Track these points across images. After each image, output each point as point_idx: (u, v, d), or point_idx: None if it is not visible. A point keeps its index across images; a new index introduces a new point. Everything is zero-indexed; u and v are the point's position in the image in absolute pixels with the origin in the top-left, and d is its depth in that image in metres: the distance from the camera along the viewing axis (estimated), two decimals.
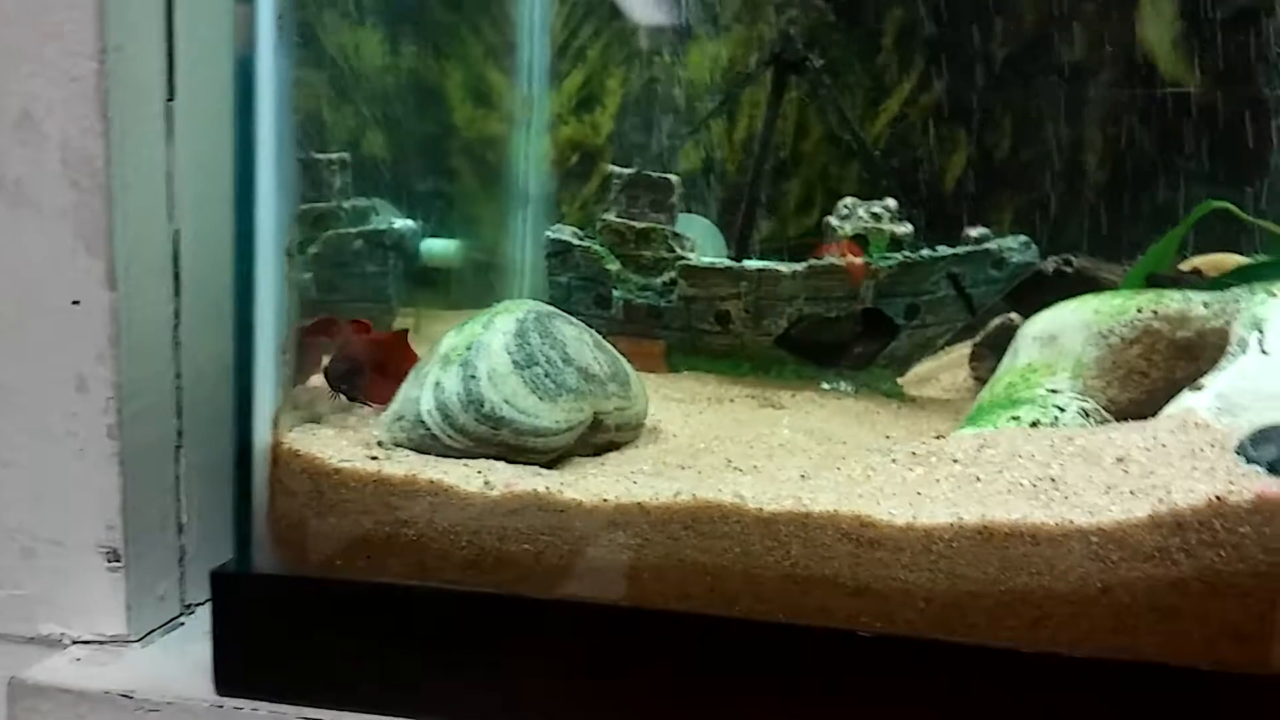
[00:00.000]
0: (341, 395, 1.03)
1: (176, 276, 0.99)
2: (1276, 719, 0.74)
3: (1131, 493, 0.79)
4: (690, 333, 1.33)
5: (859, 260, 1.27)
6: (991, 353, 1.40)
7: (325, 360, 1.03)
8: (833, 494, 0.83)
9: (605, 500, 0.84)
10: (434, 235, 1.48)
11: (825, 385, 1.31)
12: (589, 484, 0.86)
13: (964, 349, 1.46)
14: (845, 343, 1.32)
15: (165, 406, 0.99)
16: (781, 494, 0.83)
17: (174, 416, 1.00)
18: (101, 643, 0.96)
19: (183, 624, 1.03)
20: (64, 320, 0.92)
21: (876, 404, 1.28)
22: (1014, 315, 1.38)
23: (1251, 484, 0.75)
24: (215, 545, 1.06)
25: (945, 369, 1.46)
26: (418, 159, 1.52)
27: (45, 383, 0.93)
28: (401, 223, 1.38)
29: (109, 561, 0.95)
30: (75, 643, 0.96)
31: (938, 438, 1.15)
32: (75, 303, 0.92)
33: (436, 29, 1.53)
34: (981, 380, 1.42)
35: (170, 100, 0.97)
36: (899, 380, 1.35)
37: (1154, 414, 1.04)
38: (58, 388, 0.93)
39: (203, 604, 1.05)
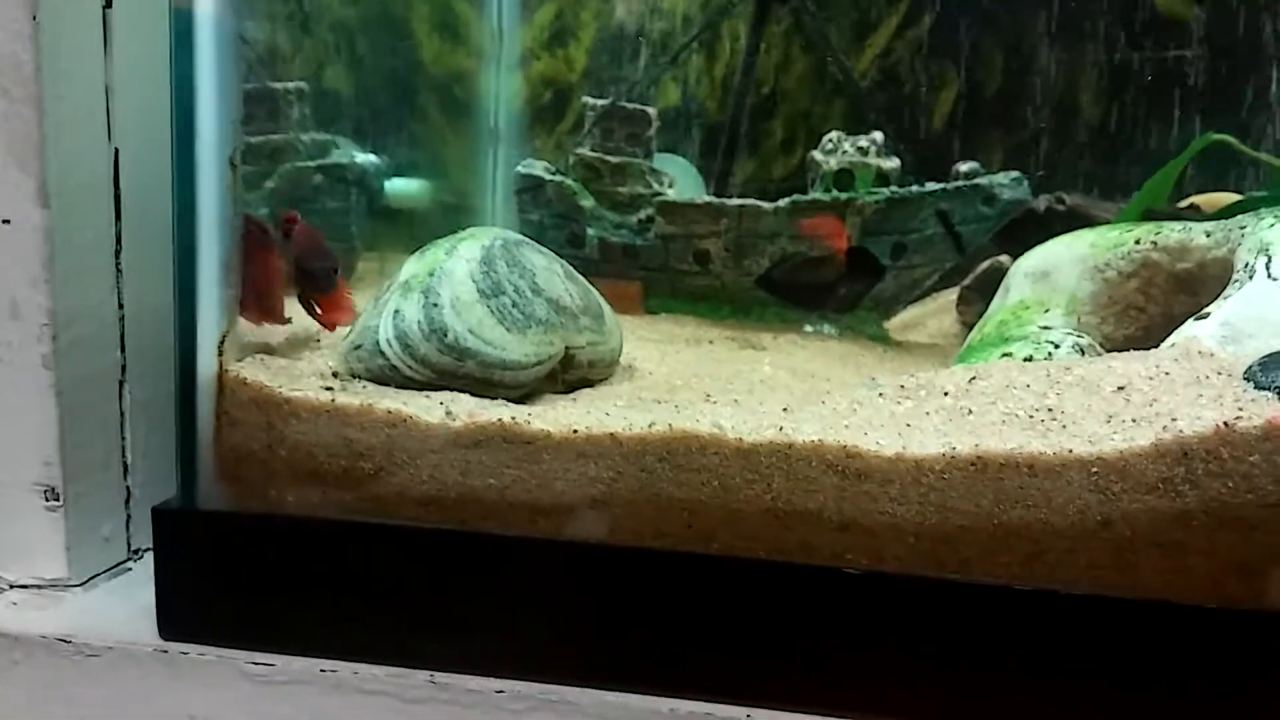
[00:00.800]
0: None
1: (117, 199, 0.93)
2: None
3: (1134, 421, 0.74)
4: (668, 273, 1.28)
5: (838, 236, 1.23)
6: (980, 296, 1.36)
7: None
8: (817, 424, 0.78)
9: (575, 431, 0.78)
10: (399, 174, 1.41)
11: (809, 328, 1.26)
12: (558, 415, 0.81)
13: (951, 294, 1.42)
14: (829, 284, 1.26)
15: (107, 338, 0.93)
16: (763, 424, 0.77)
17: (117, 349, 0.94)
18: (40, 586, 0.90)
19: (130, 569, 0.97)
20: None
21: (861, 347, 1.23)
22: (1004, 257, 1.33)
23: (1262, 410, 0.70)
24: (165, 487, 1.00)
25: (932, 314, 1.41)
26: (381, 94, 1.45)
27: None
28: (364, 157, 1.31)
29: (47, 500, 0.89)
30: (13, 587, 0.91)
31: None
32: (5, 221, 0.86)
33: None
34: (969, 325, 1.38)
35: (108, 7, 0.90)
36: (885, 324, 1.30)
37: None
38: None
39: (151, 549, 0.99)
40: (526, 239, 0.99)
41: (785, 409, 0.84)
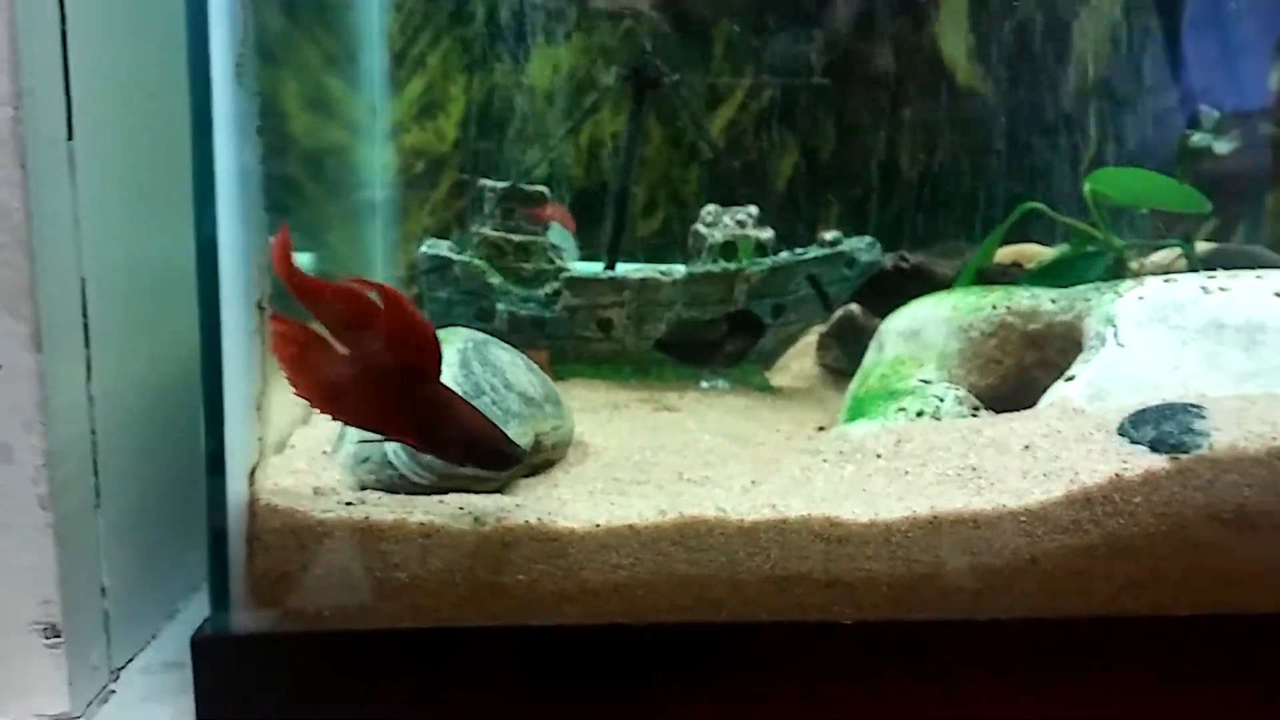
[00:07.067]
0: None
1: (85, 327, 0.93)
2: (1165, 652, 0.90)
3: (1045, 475, 0.93)
4: (573, 340, 1.38)
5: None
6: (836, 341, 1.54)
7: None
8: (800, 499, 0.92)
9: (597, 525, 0.88)
10: None
11: (704, 384, 1.40)
12: (577, 510, 0.90)
13: (807, 337, 1.59)
14: (716, 342, 1.41)
15: (85, 468, 0.93)
16: (758, 504, 0.90)
17: (92, 476, 0.94)
18: None
19: (114, 691, 0.97)
20: None
21: (752, 399, 1.38)
22: (854, 306, 1.52)
23: (1140, 461, 0.91)
24: (137, 603, 1.01)
25: (793, 357, 1.59)
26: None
27: None
28: None
29: (47, 638, 0.89)
30: None
31: (820, 429, 1.28)
32: None
33: (270, 37, 1.46)
34: (827, 367, 1.57)
35: (70, 139, 0.90)
36: (766, 374, 1.46)
37: (1008, 394, 1.21)
38: None
39: (123, 667, 1.00)
40: (491, 338, 1.07)
41: (753, 482, 0.98)
